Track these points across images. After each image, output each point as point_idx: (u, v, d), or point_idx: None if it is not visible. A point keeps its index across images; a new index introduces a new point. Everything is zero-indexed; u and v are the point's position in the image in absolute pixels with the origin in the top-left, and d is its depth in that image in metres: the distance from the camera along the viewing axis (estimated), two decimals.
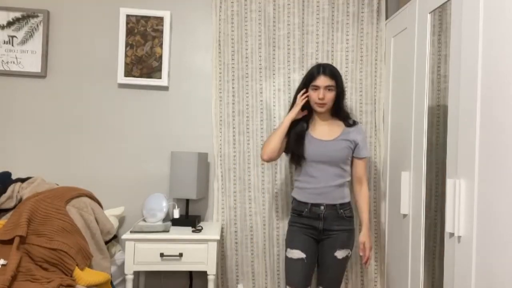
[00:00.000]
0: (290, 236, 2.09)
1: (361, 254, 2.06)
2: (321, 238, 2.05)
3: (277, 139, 2.03)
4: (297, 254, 2.00)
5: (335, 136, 2.06)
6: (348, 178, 2.11)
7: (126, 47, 2.48)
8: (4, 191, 2.12)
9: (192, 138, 2.56)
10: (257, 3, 2.51)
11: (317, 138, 2.06)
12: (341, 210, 2.03)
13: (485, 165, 1.39)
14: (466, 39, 1.53)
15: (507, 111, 1.29)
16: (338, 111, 2.11)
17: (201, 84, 2.57)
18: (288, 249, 2.05)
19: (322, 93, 1.99)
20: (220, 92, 2.52)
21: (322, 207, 2.01)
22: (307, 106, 2.09)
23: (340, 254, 2.01)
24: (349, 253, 2.05)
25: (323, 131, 2.08)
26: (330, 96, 2.02)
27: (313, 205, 2.03)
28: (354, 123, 2.13)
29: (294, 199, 2.13)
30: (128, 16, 2.48)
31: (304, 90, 2.05)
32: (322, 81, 2.00)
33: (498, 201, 1.32)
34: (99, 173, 2.50)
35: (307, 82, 2.06)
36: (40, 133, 2.48)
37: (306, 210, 2.03)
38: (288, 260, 2.04)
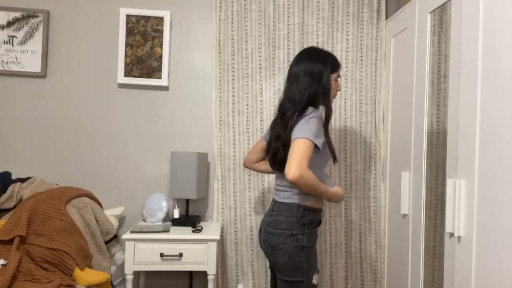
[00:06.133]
0: (314, 259, 1.63)
1: None
2: None
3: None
4: (316, 278, 1.64)
5: None
6: None
7: (126, 47, 2.48)
8: (4, 191, 2.12)
9: (192, 138, 2.56)
10: (257, 3, 2.51)
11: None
12: None
13: (485, 165, 1.39)
14: (466, 39, 1.53)
15: (507, 111, 1.29)
16: None
17: (201, 84, 2.57)
18: (314, 275, 1.61)
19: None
20: (220, 92, 2.51)
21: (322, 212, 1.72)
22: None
23: None
24: None
25: None
26: None
27: (322, 211, 1.70)
28: None
29: (306, 208, 1.61)
30: (128, 16, 2.48)
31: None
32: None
33: (498, 201, 1.32)
34: (99, 173, 2.50)
35: (335, 70, 1.70)
36: (40, 133, 2.48)
37: (321, 219, 1.68)
38: None
